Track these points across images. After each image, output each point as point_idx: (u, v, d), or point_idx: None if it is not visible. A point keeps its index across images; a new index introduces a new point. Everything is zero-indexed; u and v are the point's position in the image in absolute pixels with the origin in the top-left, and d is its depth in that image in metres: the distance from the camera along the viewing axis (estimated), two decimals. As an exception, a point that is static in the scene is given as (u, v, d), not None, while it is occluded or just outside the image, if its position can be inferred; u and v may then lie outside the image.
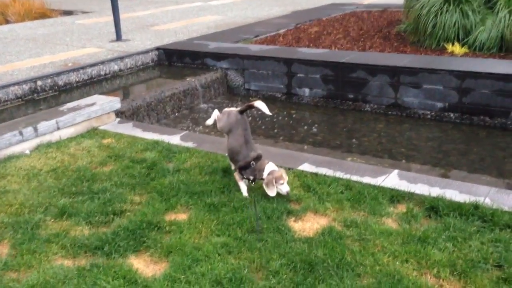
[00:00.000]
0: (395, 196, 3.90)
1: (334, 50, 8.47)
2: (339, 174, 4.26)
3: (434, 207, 3.69)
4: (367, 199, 3.85)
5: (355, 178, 4.20)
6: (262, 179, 3.85)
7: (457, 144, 5.93)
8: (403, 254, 3.19)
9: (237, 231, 3.50)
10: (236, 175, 4.04)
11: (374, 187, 4.05)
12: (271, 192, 3.76)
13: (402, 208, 3.77)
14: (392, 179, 4.19)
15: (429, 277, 3.01)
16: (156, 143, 5.14)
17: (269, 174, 3.81)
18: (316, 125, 6.75)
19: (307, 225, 3.62)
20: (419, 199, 3.84)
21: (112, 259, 3.26)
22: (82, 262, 3.25)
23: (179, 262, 3.16)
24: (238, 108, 4.10)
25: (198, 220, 3.67)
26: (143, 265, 3.23)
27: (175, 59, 9.00)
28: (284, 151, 5.26)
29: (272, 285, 2.95)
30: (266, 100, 7.95)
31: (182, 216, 3.78)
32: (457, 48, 7.68)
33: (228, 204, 3.87)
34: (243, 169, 3.94)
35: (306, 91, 7.68)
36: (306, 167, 4.50)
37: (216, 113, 4.21)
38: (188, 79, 7.81)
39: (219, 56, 8.46)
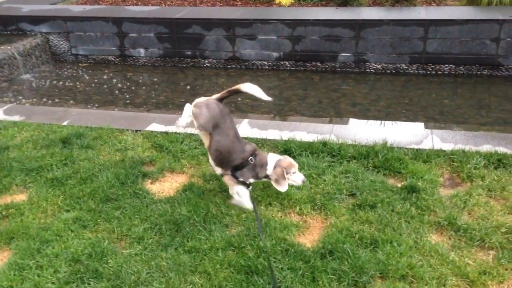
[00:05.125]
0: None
1: (165, 6, 8.12)
2: (190, 130, 4.10)
3: (287, 150, 3.77)
4: (223, 151, 3.77)
5: (207, 131, 4.09)
6: (267, 175, 3.07)
7: (296, 90, 6.17)
8: (266, 198, 3.20)
9: (89, 203, 3.16)
10: (229, 180, 3.12)
11: (228, 138, 3.99)
12: (283, 188, 3.01)
13: (257, 154, 3.78)
14: (244, 128, 4.18)
15: (293, 215, 3.08)
16: (-26, 121, 4.41)
17: (275, 167, 3.03)
18: (157, 86, 6.45)
19: (166, 185, 3.43)
20: (272, 144, 3.89)
21: None
22: None
23: (24, 247, 2.75)
24: (216, 96, 3.15)
25: (41, 198, 3.23)
26: (-20, 260, 2.74)
27: (-18, 26, 7.80)
28: (128, 113, 4.92)
29: (138, 251, 2.73)
30: (99, 64, 7.39)
31: (20, 197, 3.29)
32: (283, -1, 7.92)
33: (73, 176, 3.48)
34: (238, 169, 3.08)
35: (141, 51, 7.27)
36: (155, 127, 4.26)
37: (189, 108, 3.14)
38: (2, 47, 6.81)
39: (36, 19, 7.52)
